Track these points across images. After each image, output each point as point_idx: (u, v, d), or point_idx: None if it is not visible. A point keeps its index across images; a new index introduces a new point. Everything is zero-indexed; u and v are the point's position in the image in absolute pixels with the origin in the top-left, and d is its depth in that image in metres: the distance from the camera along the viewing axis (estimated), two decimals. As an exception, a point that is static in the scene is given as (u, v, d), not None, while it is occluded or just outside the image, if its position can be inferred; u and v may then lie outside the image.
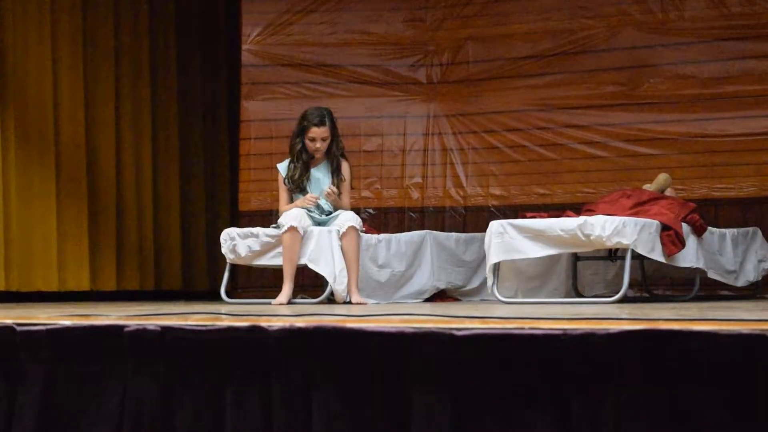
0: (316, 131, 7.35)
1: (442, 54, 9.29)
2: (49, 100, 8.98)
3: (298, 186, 7.42)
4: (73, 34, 9.19)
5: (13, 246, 8.65)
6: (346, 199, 7.49)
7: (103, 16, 9.47)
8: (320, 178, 7.43)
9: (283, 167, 7.51)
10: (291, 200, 7.45)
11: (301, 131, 7.40)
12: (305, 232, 7.22)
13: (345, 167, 7.48)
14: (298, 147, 7.41)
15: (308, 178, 7.42)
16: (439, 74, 9.30)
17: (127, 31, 9.70)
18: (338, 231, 7.22)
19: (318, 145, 7.35)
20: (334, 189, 7.32)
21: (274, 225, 7.43)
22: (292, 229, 7.17)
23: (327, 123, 7.35)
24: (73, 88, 9.16)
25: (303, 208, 7.32)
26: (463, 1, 9.25)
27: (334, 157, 7.42)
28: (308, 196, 7.33)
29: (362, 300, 7.16)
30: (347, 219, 7.26)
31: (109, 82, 9.50)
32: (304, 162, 7.41)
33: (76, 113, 9.18)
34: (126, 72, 9.68)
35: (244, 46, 9.38)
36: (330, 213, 7.41)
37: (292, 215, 7.21)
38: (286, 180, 7.45)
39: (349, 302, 7.17)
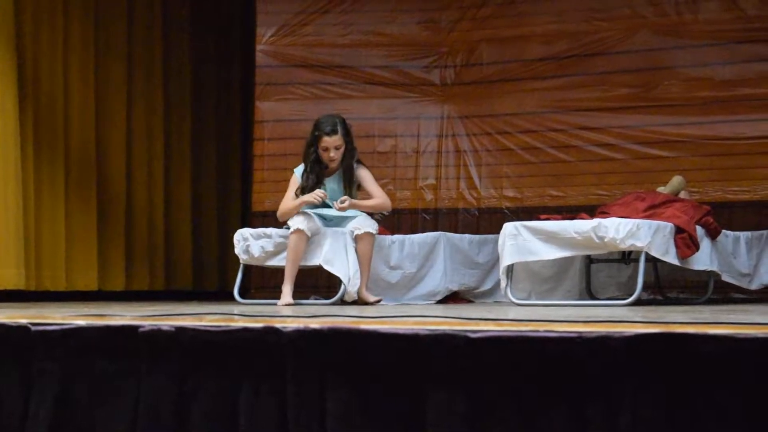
0: (328, 141, 7.27)
1: (456, 55, 9.28)
2: (61, 100, 8.98)
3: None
4: (85, 34, 9.19)
5: (29, 245, 8.65)
6: (376, 192, 7.38)
7: (117, 16, 9.48)
8: (335, 188, 7.36)
9: (299, 172, 7.45)
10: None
11: (314, 141, 7.34)
12: (312, 234, 7.22)
13: (362, 172, 7.41)
14: (312, 157, 7.35)
15: (323, 190, 7.34)
16: (453, 76, 9.29)
17: (140, 31, 9.71)
18: (352, 232, 7.22)
19: (332, 154, 7.28)
20: (345, 203, 7.23)
21: (286, 226, 7.42)
22: (299, 231, 7.17)
23: (339, 131, 7.28)
24: (85, 86, 9.16)
25: (311, 209, 7.29)
26: (478, 3, 9.24)
27: (346, 165, 7.34)
28: (316, 191, 7.26)
29: (375, 298, 7.17)
30: (364, 225, 7.24)
31: (121, 81, 9.50)
32: (317, 174, 7.35)
33: (87, 112, 9.18)
34: (138, 71, 9.68)
35: (259, 47, 9.38)
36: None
37: (300, 220, 7.20)
38: (299, 191, 7.36)
39: (361, 302, 7.17)
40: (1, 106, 8.38)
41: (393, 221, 9.06)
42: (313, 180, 7.33)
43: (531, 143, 9.03)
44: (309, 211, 7.31)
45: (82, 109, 9.15)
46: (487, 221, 8.97)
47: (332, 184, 7.39)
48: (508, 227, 7.02)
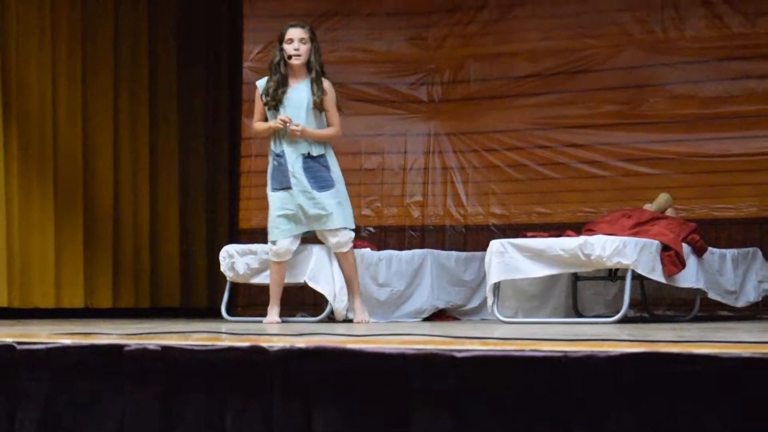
0: (293, 32, 7.11)
1: (444, 72, 9.29)
2: (48, 116, 8.97)
3: (274, 100, 7.10)
4: (73, 49, 9.19)
5: (15, 262, 8.64)
6: (335, 119, 7.17)
7: (103, 32, 9.47)
8: (301, 97, 7.12)
9: (261, 83, 7.23)
10: (266, 119, 7.18)
11: (280, 39, 7.17)
12: (294, 254, 7.16)
13: (327, 84, 7.18)
14: (277, 59, 7.14)
15: (285, 94, 7.09)
16: (440, 92, 9.30)
17: (127, 48, 9.70)
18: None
19: (296, 45, 7.08)
20: (298, 128, 6.96)
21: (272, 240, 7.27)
22: (278, 263, 7.13)
23: (305, 28, 7.17)
24: (72, 103, 9.15)
25: (290, 212, 7.13)
26: (465, 20, 9.25)
27: (312, 69, 7.13)
28: (280, 117, 7.00)
29: (365, 318, 7.13)
30: (340, 245, 7.13)
31: (108, 97, 9.49)
32: (282, 75, 7.12)
33: (74, 129, 9.17)
34: (125, 87, 9.66)
35: (246, 63, 9.38)
36: (312, 156, 7.09)
37: (279, 252, 7.10)
38: (263, 95, 7.14)
39: (350, 320, 7.15)
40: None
41: (380, 238, 9.06)
42: (278, 82, 7.09)
43: (518, 160, 9.04)
44: (288, 212, 7.10)
45: (68, 126, 9.14)
46: (474, 238, 8.97)
47: (296, 93, 7.13)
48: (495, 244, 7.01)
